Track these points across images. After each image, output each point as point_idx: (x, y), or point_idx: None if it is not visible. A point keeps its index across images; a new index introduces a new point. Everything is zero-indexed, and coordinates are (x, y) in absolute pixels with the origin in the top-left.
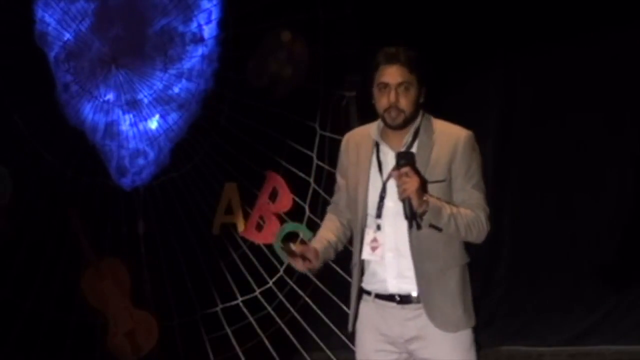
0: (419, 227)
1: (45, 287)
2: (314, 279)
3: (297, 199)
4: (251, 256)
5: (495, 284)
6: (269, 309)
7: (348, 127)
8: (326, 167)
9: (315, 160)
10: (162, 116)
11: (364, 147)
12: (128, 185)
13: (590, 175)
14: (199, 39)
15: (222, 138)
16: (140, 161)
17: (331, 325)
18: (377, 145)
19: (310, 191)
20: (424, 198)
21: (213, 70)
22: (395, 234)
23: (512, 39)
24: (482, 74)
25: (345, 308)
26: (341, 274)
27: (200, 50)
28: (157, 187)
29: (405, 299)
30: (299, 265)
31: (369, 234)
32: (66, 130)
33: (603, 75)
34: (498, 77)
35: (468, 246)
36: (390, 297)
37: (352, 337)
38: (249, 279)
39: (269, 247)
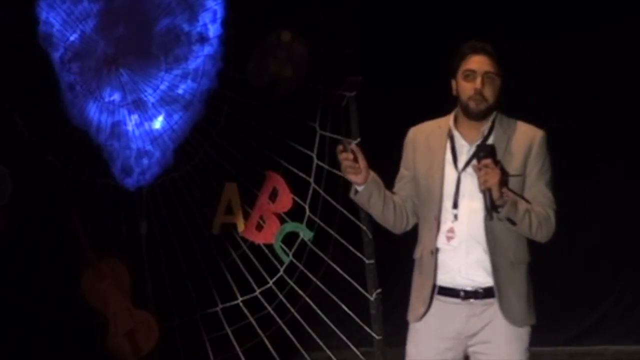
0: (498, 219)
1: (45, 287)
2: (314, 279)
3: (297, 199)
4: (251, 256)
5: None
6: (269, 309)
7: (348, 127)
8: (326, 167)
9: (315, 160)
10: (166, 116)
11: (436, 138)
12: (132, 185)
13: (590, 174)
14: (204, 39)
15: (222, 138)
16: (145, 161)
17: (331, 325)
18: (451, 137)
19: (310, 191)
20: (503, 191)
21: (217, 69)
22: (469, 225)
23: (512, 39)
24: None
25: (345, 308)
26: (341, 274)
27: (206, 49)
28: (158, 187)
29: (470, 294)
30: (348, 163)
31: (446, 224)
32: (66, 130)
33: (605, 72)
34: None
35: None
36: (455, 293)
37: (356, 333)
38: (249, 279)
39: (269, 247)
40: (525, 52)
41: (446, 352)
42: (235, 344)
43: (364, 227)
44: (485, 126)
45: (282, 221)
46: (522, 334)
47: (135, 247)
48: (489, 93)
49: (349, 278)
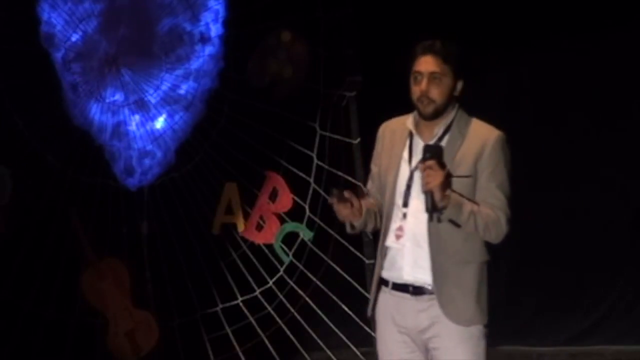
0: (438, 220)
1: (45, 287)
2: (314, 279)
3: (297, 199)
4: (251, 256)
5: (495, 284)
6: (269, 308)
7: (348, 127)
8: (326, 167)
9: (315, 160)
10: (168, 116)
11: (398, 135)
12: (135, 185)
13: (591, 174)
14: (206, 38)
15: (222, 138)
16: (147, 161)
17: (331, 325)
18: (411, 135)
19: (310, 191)
20: (447, 193)
21: (219, 69)
22: (416, 224)
23: (512, 39)
24: (481, 75)
25: (345, 308)
26: (341, 274)
27: (208, 49)
28: (158, 187)
29: (419, 290)
30: (346, 211)
31: (396, 222)
32: (67, 130)
33: (604, 74)
34: (499, 77)
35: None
36: (404, 288)
37: (356, 333)
38: (249, 279)
39: (269, 247)
40: (526, 54)
41: (403, 344)
42: (235, 344)
43: None
44: (441, 125)
45: (282, 221)
46: (472, 333)
47: (135, 247)
48: (436, 94)
49: (349, 278)
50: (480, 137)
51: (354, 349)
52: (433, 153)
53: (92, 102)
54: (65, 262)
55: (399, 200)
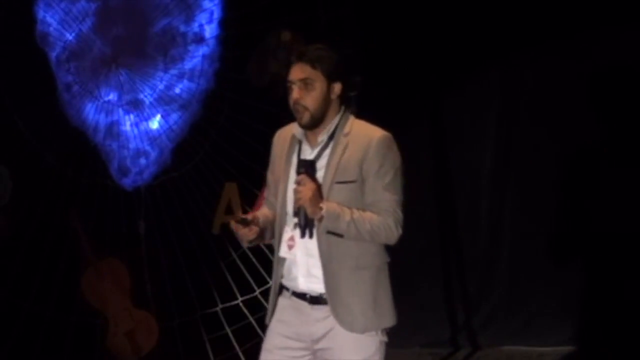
0: (310, 236)
1: (45, 287)
2: None
3: None
4: (251, 256)
5: (495, 284)
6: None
7: None
8: None
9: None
10: (163, 116)
11: (288, 143)
12: (129, 185)
13: (589, 175)
14: (200, 39)
15: (222, 138)
16: (142, 161)
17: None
18: (300, 143)
19: None
20: (320, 205)
21: (214, 70)
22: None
23: (511, 40)
24: (481, 75)
25: None
26: None
27: (202, 50)
28: (158, 187)
29: (315, 300)
30: (244, 231)
31: (287, 232)
32: (66, 130)
33: (601, 76)
34: (497, 79)
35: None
36: (302, 296)
37: None
38: (249, 279)
39: (269, 247)
40: (523, 55)
41: (291, 351)
42: (235, 344)
43: None
44: (325, 132)
45: None
46: (368, 341)
47: (135, 247)
48: (309, 101)
49: None
50: (365, 139)
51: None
52: (305, 167)
53: (88, 101)
54: (65, 262)
55: (290, 209)
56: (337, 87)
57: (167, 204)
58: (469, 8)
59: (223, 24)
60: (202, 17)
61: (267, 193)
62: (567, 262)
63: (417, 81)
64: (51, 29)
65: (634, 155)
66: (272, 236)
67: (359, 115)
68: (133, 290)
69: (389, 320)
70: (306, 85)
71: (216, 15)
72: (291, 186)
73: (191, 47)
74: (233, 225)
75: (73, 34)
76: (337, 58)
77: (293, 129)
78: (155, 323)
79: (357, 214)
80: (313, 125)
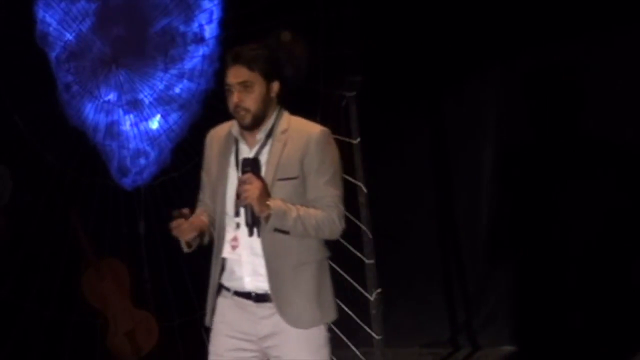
0: (259, 234)
1: (45, 287)
2: None
3: None
4: None
5: (495, 284)
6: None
7: (348, 127)
8: None
9: None
10: (163, 116)
11: (225, 143)
12: (129, 185)
13: (589, 175)
14: (200, 39)
15: None
16: (142, 161)
17: (331, 324)
18: (237, 142)
19: None
20: (267, 202)
21: (214, 70)
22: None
23: (511, 40)
24: (481, 75)
25: (345, 308)
26: (340, 273)
27: (202, 50)
28: (158, 187)
29: (261, 298)
30: (188, 234)
31: (230, 233)
32: (66, 130)
33: (602, 75)
34: (496, 78)
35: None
36: (247, 295)
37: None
38: None
39: None
40: (523, 55)
41: (240, 351)
42: None
43: (364, 227)
44: (263, 130)
45: None
46: (314, 335)
47: (135, 247)
48: (250, 103)
49: (349, 278)
50: (303, 135)
51: (354, 349)
52: (250, 166)
53: (87, 101)
54: (65, 262)
55: (230, 210)
56: (275, 86)
57: (167, 204)
58: (469, 8)
59: (223, 24)
60: (202, 17)
61: (202, 195)
62: (567, 262)
63: (417, 81)
64: (51, 28)
65: (632, 156)
66: (211, 237)
67: (360, 115)
68: (133, 290)
69: (332, 314)
70: (245, 88)
71: (216, 15)
72: (231, 186)
73: (191, 47)
74: (174, 223)
75: (73, 34)
76: (272, 56)
77: (228, 128)
78: (155, 323)
79: (302, 210)
80: (255, 125)
